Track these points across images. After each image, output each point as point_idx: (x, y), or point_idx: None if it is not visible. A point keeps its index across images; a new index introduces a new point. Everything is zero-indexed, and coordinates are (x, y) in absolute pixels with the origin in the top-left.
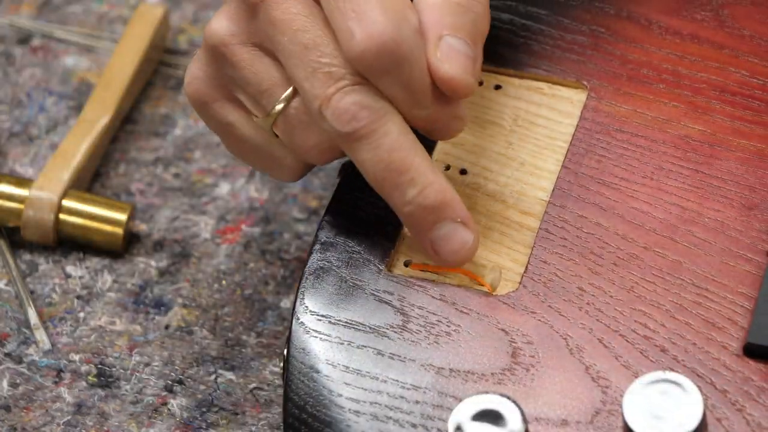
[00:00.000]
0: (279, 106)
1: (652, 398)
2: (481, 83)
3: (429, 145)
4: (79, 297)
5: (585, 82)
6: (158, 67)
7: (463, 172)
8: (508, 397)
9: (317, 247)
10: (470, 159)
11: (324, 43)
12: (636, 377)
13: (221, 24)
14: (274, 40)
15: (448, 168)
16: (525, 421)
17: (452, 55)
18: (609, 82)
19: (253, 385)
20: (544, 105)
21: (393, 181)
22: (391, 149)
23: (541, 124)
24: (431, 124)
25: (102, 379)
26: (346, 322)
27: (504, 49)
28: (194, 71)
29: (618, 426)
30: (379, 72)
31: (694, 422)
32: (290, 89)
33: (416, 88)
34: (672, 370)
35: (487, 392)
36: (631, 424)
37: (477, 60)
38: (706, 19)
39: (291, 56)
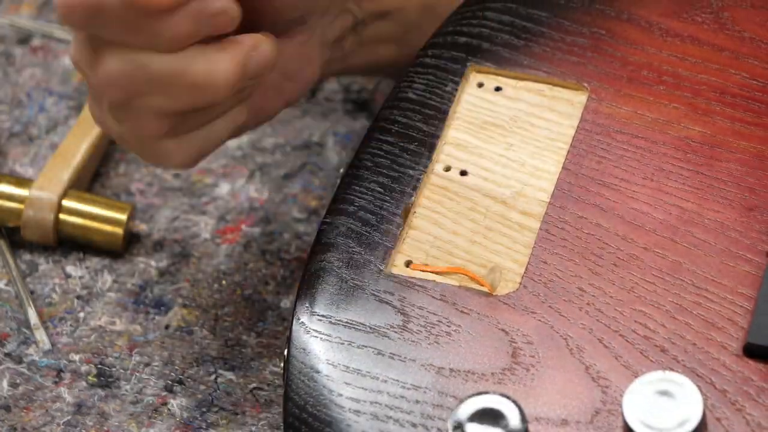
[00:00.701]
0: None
1: (651, 398)
2: (481, 85)
3: (429, 146)
4: (79, 297)
5: (585, 84)
6: None
7: (464, 173)
8: (508, 397)
9: (318, 247)
10: (471, 160)
11: None
12: (636, 377)
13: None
14: None
15: (448, 169)
16: (525, 420)
17: None
18: (609, 84)
19: (253, 385)
20: (544, 106)
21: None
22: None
23: (542, 125)
24: (189, 37)
25: (102, 379)
26: (346, 322)
27: (504, 51)
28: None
29: (618, 426)
30: (83, 26)
31: (694, 422)
32: None
33: (128, 22)
34: (672, 370)
35: (487, 392)
36: (631, 424)
37: None
38: (707, 21)
39: None
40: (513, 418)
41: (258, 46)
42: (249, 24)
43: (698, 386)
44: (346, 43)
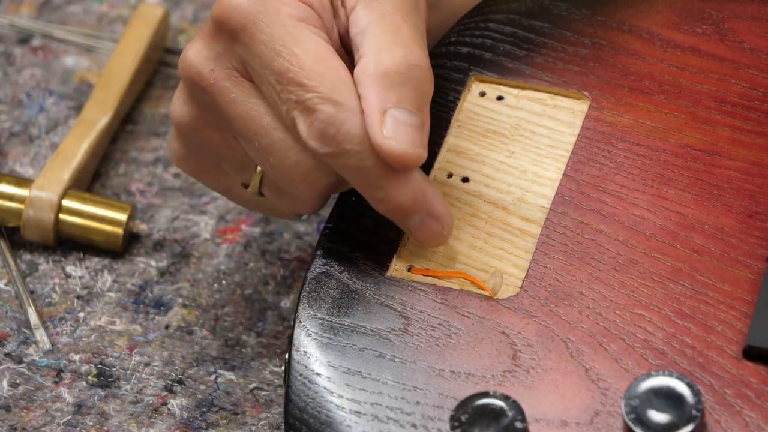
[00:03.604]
0: (257, 178)
1: (651, 400)
2: (483, 94)
3: (431, 153)
4: (79, 297)
5: (587, 93)
6: (158, 67)
7: (465, 180)
8: (509, 397)
9: (320, 252)
10: (473, 167)
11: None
12: (635, 379)
13: (177, 107)
14: (229, 126)
15: (450, 176)
16: (525, 421)
17: (399, 130)
18: (611, 93)
19: (253, 385)
20: (546, 115)
21: (366, 187)
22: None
23: (543, 133)
24: (396, 212)
25: (102, 379)
26: (347, 326)
27: (507, 61)
28: (176, 148)
29: (617, 427)
30: (329, 156)
31: (693, 424)
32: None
33: (365, 168)
34: (671, 372)
35: (487, 392)
36: (630, 426)
37: (424, 126)
38: (707, 32)
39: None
40: (513, 418)
41: (436, 219)
42: None
43: (697, 388)
44: None
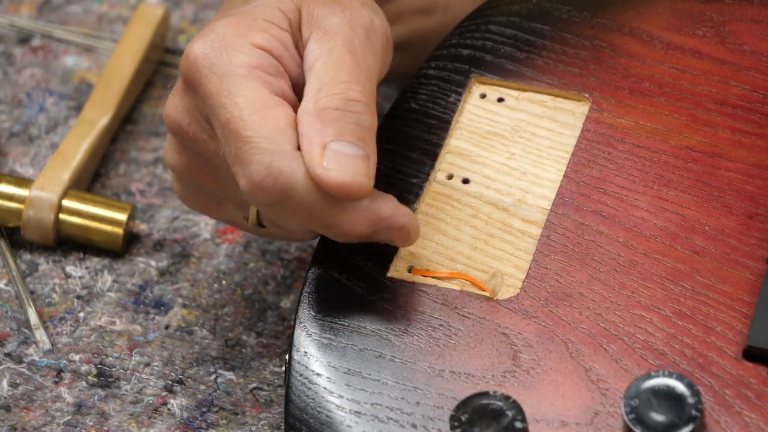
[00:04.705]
0: (253, 214)
1: (651, 400)
2: (484, 96)
3: (431, 155)
4: (79, 297)
5: (587, 95)
6: (158, 67)
7: (466, 181)
8: (509, 397)
9: (320, 253)
10: (473, 168)
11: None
12: (635, 380)
13: (169, 155)
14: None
15: (450, 177)
16: (525, 421)
17: (340, 160)
18: (611, 95)
19: (253, 385)
20: (546, 117)
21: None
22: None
23: (543, 135)
24: (361, 239)
25: (102, 379)
26: (348, 326)
27: (507, 63)
28: (177, 189)
29: (617, 427)
30: (274, 208)
31: (693, 424)
32: None
33: (313, 209)
34: (671, 372)
35: (488, 392)
36: (630, 426)
37: (369, 157)
38: (707, 35)
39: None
40: (513, 419)
41: (399, 229)
42: None
43: (697, 389)
44: None
